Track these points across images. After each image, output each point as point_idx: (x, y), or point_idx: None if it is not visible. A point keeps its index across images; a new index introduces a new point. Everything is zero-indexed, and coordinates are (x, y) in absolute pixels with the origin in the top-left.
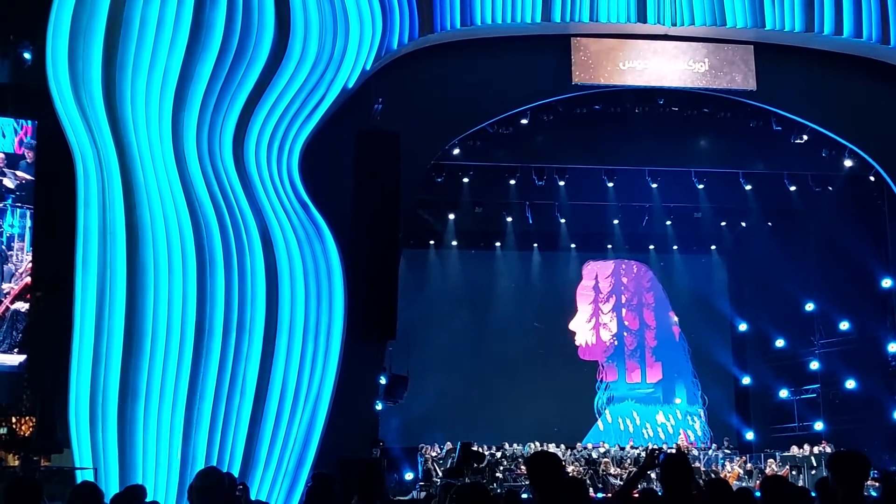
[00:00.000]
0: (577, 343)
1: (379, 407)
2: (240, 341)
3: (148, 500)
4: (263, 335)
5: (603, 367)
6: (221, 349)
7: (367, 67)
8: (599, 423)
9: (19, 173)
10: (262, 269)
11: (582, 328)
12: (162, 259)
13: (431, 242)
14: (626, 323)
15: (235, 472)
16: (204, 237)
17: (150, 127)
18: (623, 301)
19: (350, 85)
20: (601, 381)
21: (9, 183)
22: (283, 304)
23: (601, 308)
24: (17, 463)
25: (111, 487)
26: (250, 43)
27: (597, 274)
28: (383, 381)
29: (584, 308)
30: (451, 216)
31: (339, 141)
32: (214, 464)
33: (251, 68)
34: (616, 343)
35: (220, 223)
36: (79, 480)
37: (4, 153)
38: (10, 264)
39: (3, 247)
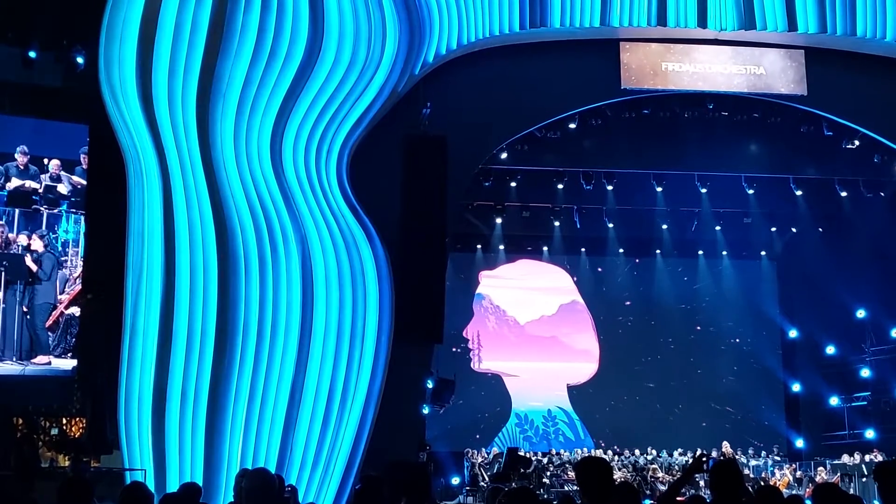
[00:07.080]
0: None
1: (425, 411)
2: (287, 344)
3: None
4: (310, 339)
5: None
6: (269, 352)
7: (416, 72)
8: None
9: (75, 178)
10: (320, 272)
11: None
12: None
13: (478, 246)
14: None
15: (283, 474)
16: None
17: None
18: None
19: (399, 89)
20: None
21: (63, 189)
22: (330, 308)
23: None
24: (67, 463)
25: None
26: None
27: None
28: (430, 384)
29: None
30: (499, 220)
31: (387, 145)
32: (262, 465)
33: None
34: None
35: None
36: (129, 481)
37: (61, 159)
38: (65, 269)
39: (59, 253)
